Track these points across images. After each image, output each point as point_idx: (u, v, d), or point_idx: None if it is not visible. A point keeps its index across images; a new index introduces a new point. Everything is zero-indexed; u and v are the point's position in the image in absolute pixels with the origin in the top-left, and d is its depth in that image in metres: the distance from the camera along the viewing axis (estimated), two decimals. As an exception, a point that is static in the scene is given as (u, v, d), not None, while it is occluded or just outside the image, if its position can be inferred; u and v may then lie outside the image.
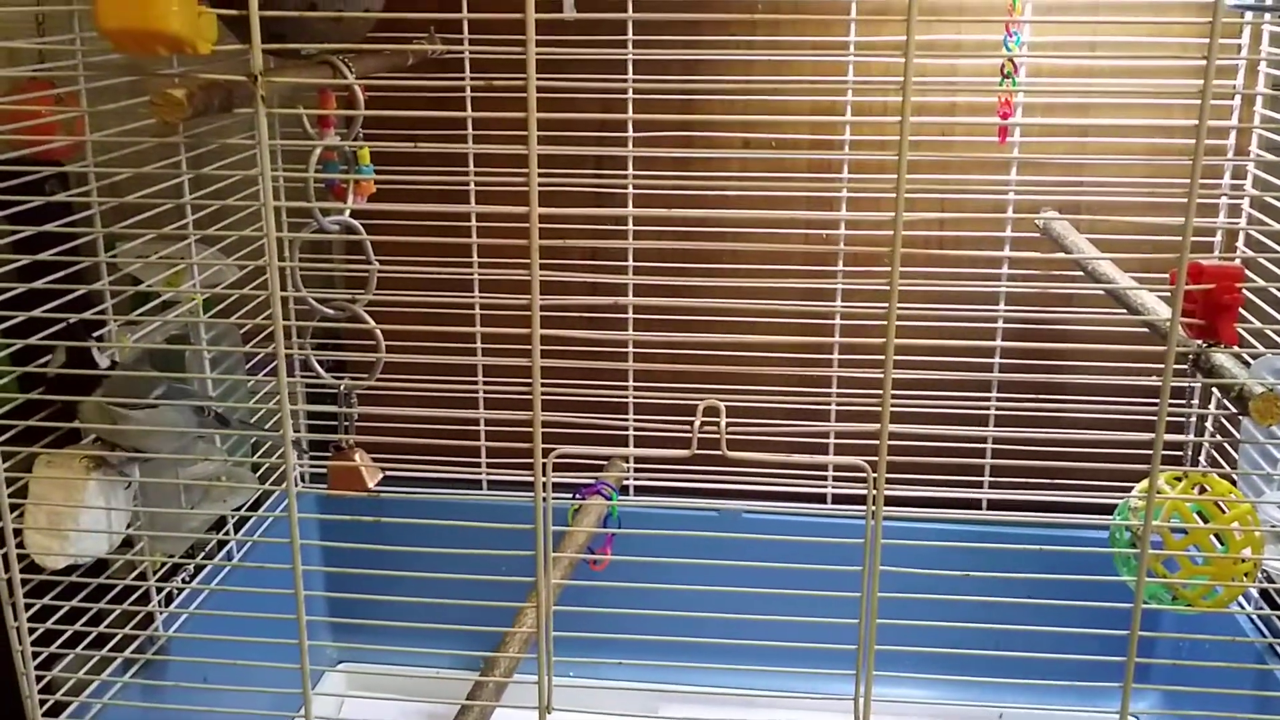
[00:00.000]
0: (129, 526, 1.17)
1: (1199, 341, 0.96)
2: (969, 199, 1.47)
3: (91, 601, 1.14)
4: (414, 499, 1.29)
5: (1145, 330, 1.18)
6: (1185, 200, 0.85)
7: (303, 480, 1.62)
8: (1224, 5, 0.82)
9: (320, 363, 1.10)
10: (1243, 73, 1.40)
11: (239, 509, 1.30)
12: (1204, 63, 0.82)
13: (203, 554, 1.40)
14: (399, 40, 1.28)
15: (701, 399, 0.98)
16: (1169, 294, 0.89)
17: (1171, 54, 1.36)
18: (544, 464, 0.93)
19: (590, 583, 1.26)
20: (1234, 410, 0.94)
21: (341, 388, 1.13)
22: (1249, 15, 1.33)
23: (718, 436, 0.95)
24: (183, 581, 1.34)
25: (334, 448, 1.16)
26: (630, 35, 1.41)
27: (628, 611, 1.01)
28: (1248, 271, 0.97)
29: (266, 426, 1.44)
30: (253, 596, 1.06)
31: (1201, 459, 1.49)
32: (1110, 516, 1.16)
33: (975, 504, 1.52)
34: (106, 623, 1.15)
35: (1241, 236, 1.42)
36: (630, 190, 1.46)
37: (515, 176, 0.89)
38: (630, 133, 1.44)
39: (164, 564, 1.28)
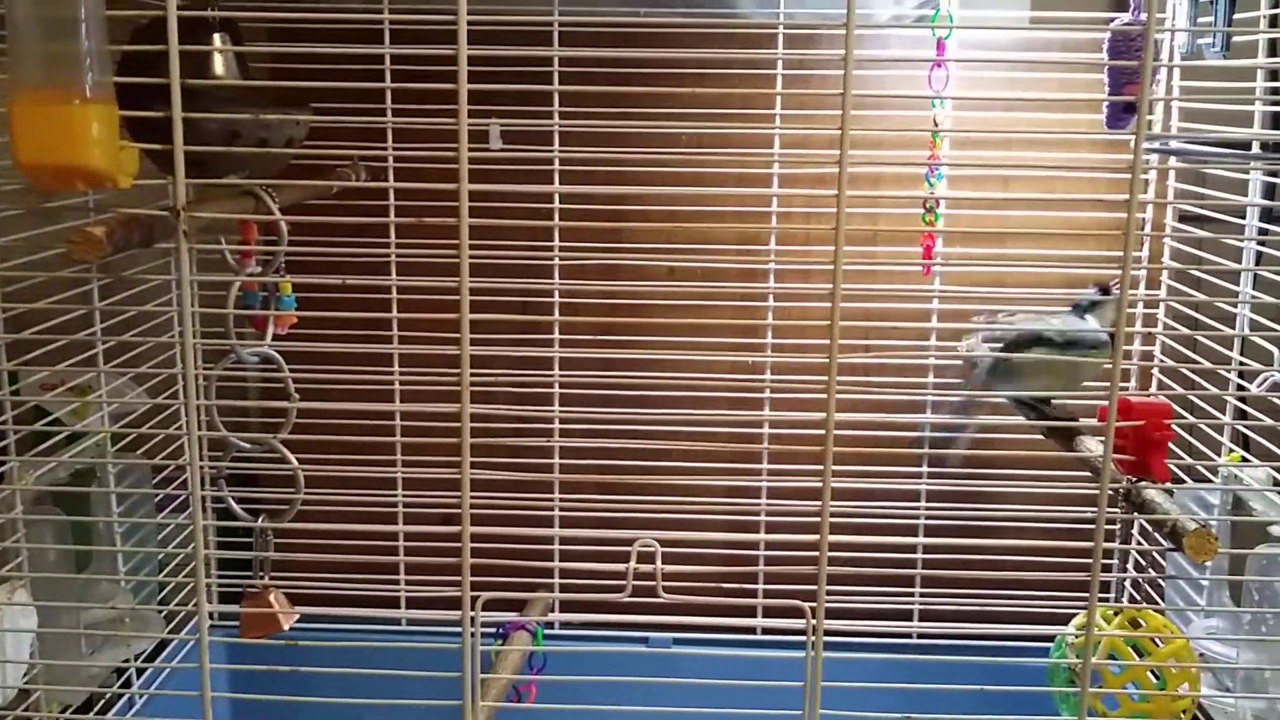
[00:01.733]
0: (24, 677, 1.09)
1: (1129, 477, 0.97)
2: (894, 327, 1.49)
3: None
4: (332, 646, 1.24)
5: (1065, 457, 1.18)
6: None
7: (211, 619, 1.55)
8: (1144, 147, 0.84)
9: (235, 500, 1.06)
10: (1151, 209, 1.45)
11: (140, 655, 1.23)
12: (1110, 196, 0.87)
13: (102, 703, 1.31)
14: (322, 169, 1.26)
15: (631, 534, 0.96)
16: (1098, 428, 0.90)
17: (1082, 190, 1.41)
18: (471, 616, 0.90)
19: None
20: (1165, 546, 0.95)
21: (257, 527, 1.08)
22: (1155, 159, 1.38)
23: (652, 579, 0.93)
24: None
25: (247, 590, 1.10)
26: (557, 167, 1.42)
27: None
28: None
29: (176, 567, 1.37)
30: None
31: (1127, 593, 1.50)
32: (1045, 643, 1.16)
33: (907, 634, 1.51)
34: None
35: (1156, 370, 1.45)
36: (556, 334, 1.46)
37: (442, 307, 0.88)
38: (557, 300, 1.44)
39: (59, 716, 1.20)
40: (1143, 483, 0.97)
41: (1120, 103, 1.11)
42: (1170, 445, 1.26)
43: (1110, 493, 0.91)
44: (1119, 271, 0.86)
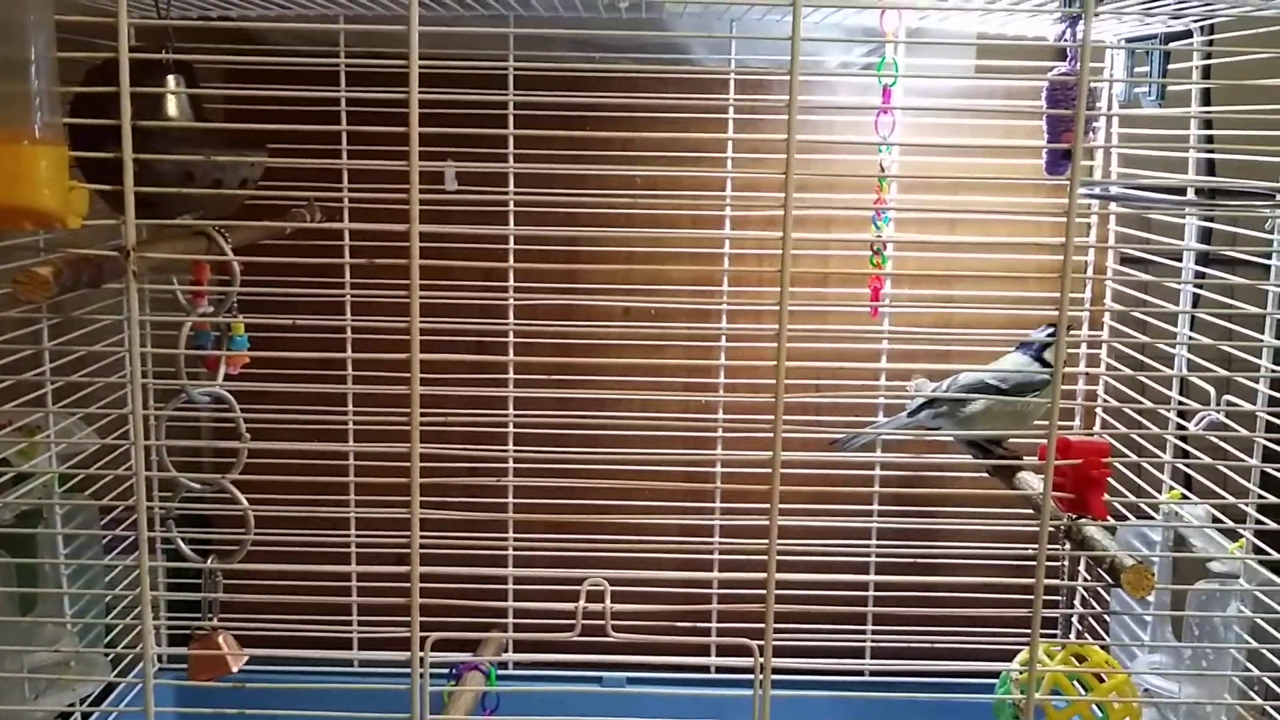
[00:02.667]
0: (-37, 723, 1.08)
1: (1069, 515, 0.99)
2: (844, 366, 1.51)
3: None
4: (281, 687, 1.23)
5: (1013, 495, 1.21)
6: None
7: (160, 662, 1.53)
8: (1078, 192, 0.87)
9: (184, 541, 1.06)
10: (1093, 252, 1.49)
11: (86, 699, 1.22)
12: (1049, 240, 0.91)
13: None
14: (278, 210, 1.27)
15: (583, 573, 0.97)
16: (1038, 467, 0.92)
17: (1027, 233, 1.44)
18: (420, 656, 0.90)
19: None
20: (1106, 582, 0.97)
21: (206, 568, 1.07)
22: (1095, 205, 1.42)
23: (601, 615, 0.94)
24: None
25: (195, 631, 1.10)
26: (512, 209, 1.43)
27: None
28: (1116, 444, 1.02)
29: (124, 610, 1.36)
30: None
31: (1075, 629, 1.52)
32: (995, 679, 1.18)
33: (859, 671, 1.53)
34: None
35: (1099, 408, 1.48)
36: (511, 374, 1.47)
37: (395, 347, 0.89)
38: (511, 340, 1.46)
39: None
40: (1082, 520, 0.99)
41: (1059, 149, 1.15)
42: (1114, 483, 1.30)
43: (1052, 530, 0.93)
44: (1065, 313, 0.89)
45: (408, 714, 0.93)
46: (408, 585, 0.91)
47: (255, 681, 1.05)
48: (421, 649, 0.92)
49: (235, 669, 1.08)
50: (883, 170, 1.36)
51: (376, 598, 1.41)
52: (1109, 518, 0.99)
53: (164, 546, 1.16)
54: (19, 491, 1.21)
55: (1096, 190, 1.36)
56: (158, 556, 1.27)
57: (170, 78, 1.04)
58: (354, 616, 1.51)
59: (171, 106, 1.05)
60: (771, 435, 0.90)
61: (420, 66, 0.83)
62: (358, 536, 1.48)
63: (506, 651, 1.51)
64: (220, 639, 1.09)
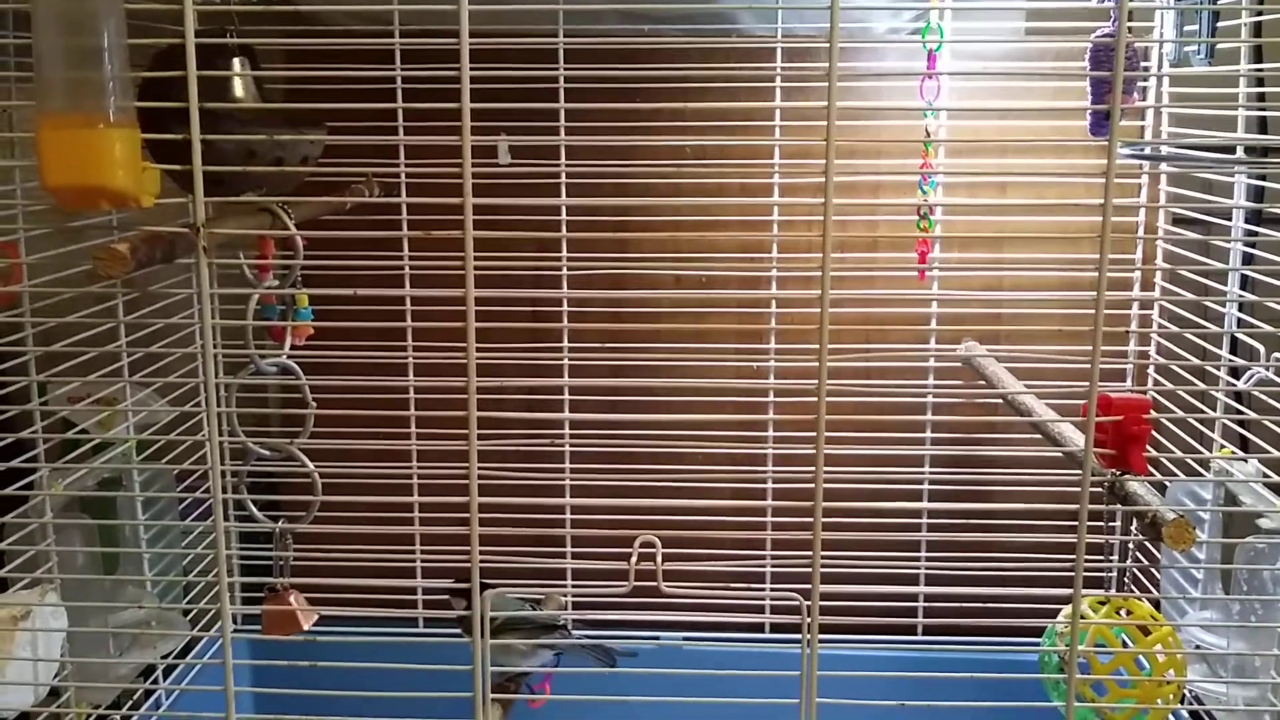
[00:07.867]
0: (55, 676, 1.14)
1: (1112, 471, 1.00)
2: (893, 330, 1.52)
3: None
4: (349, 642, 1.28)
5: (1064, 459, 1.22)
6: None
7: (235, 622, 1.59)
8: (1117, 153, 0.88)
9: (255, 504, 1.10)
10: (1144, 212, 1.49)
11: (168, 655, 1.28)
12: (1088, 200, 0.93)
13: (130, 703, 1.36)
14: (337, 186, 1.31)
15: (639, 533, 1.00)
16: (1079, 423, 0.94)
17: (1076, 195, 1.44)
18: (482, 611, 0.94)
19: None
20: (1148, 536, 0.98)
21: (276, 529, 1.12)
22: (1146, 165, 1.42)
23: (654, 569, 0.97)
24: (110, 734, 1.30)
25: (268, 590, 1.15)
26: (564, 180, 1.46)
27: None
28: (1163, 400, 1.02)
29: (200, 570, 1.42)
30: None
31: (1125, 583, 1.52)
32: (1040, 638, 1.19)
33: (911, 629, 1.55)
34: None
35: (1152, 368, 1.48)
36: (565, 340, 1.50)
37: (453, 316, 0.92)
38: (565, 308, 1.48)
39: (89, 715, 1.25)
40: (1126, 475, 1.00)
41: (1103, 110, 1.15)
42: (1166, 441, 1.30)
43: (1099, 487, 0.94)
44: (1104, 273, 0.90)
45: (470, 667, 0.96)
46: (468, 546, 0.95)
47: (325, 637, 1.09)
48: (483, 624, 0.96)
49: (306, 626, 1.13)
50: (928, 135, 1.36)
51: (439, 559, 1.47)
52: (1153, 473, 1.00)
53: (236, 511, 1.22)
54: (100, 459, 1.27)
55: (1146, 150, 1.36)
56: (231, 519, 1.32)
57: (234, 60, 1.08)
58: (418, 581, 1.55)
59: (235, 88, 1.09)
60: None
61: (471, 43, 0.86)
62: (420, 500, 1.52)
63: (565, 610, 1.54)
64: (291, 597, 1.14)
